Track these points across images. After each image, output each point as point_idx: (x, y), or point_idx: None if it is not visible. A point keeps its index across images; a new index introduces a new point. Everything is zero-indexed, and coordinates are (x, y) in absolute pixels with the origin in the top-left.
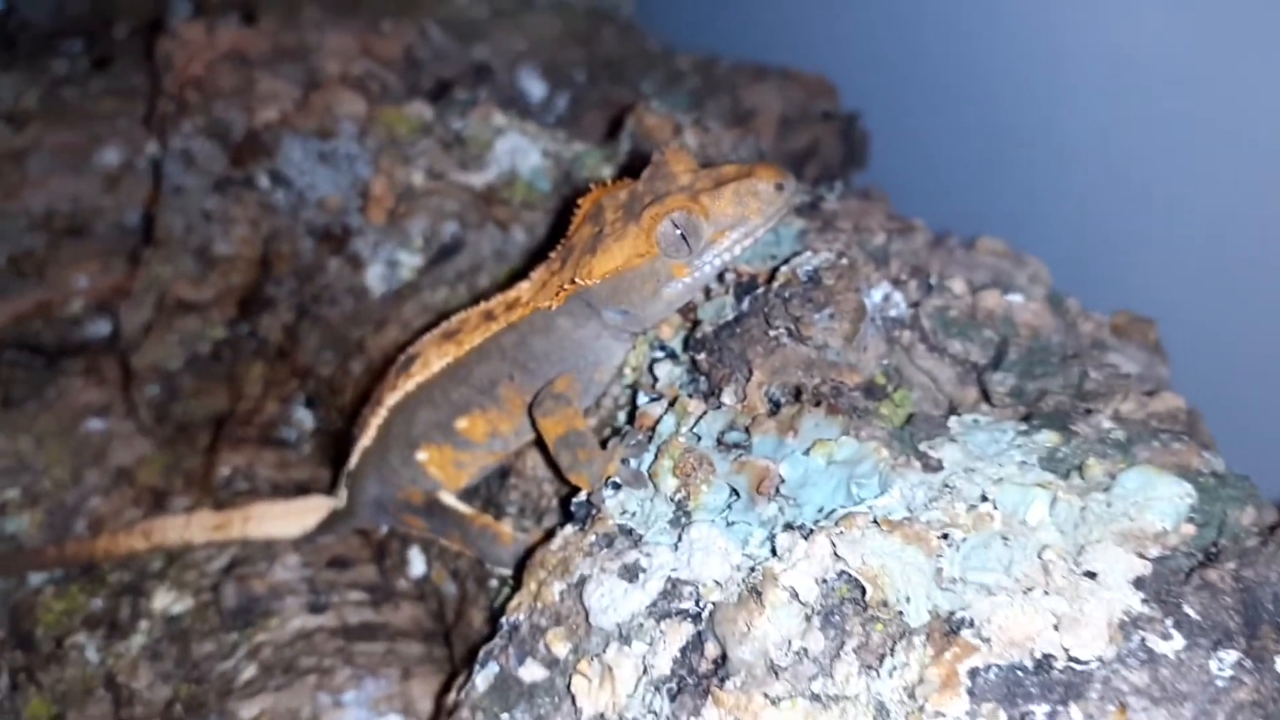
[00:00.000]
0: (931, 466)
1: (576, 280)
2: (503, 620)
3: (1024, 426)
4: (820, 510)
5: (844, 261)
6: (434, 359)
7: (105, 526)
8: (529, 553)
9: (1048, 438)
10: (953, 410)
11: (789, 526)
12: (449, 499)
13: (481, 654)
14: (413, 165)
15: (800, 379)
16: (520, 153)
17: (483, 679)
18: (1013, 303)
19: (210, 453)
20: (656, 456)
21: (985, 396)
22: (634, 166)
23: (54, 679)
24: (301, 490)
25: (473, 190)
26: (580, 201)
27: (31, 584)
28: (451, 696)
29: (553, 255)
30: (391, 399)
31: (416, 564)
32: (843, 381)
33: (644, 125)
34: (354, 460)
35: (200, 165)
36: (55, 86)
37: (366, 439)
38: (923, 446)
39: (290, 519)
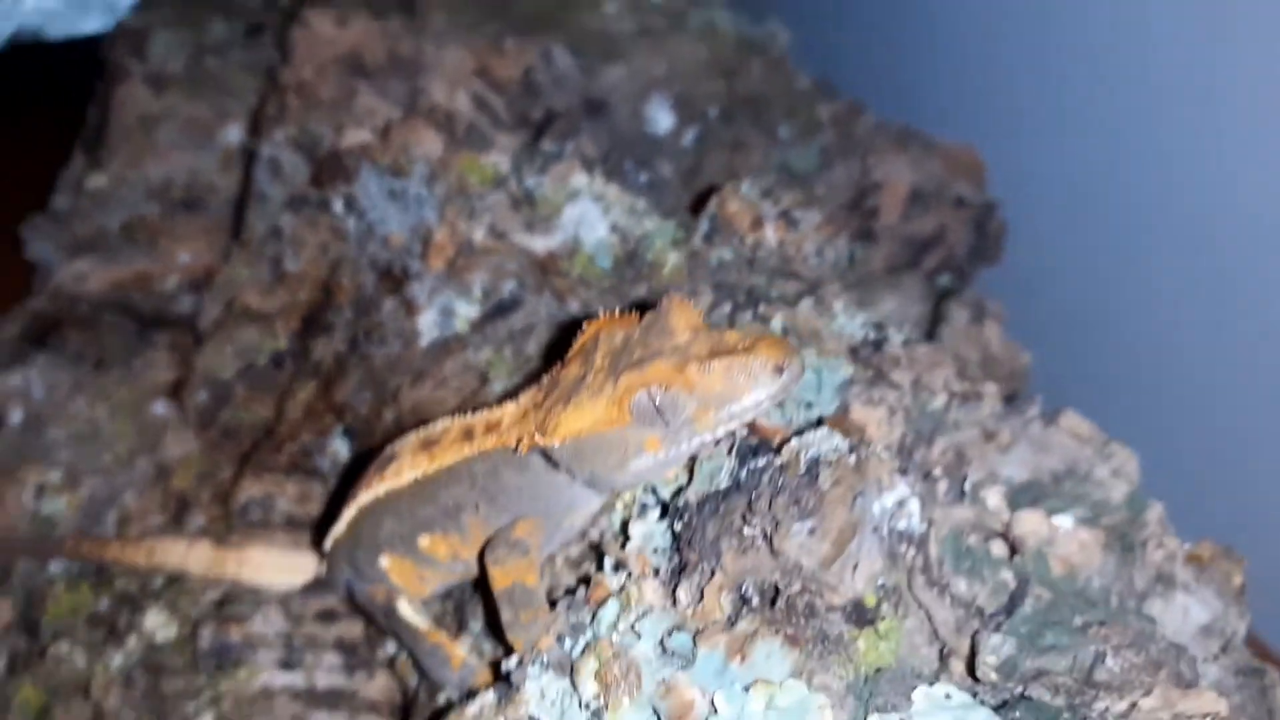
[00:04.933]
0: None
1: (538, 436)
2: None
3: None
4: None
5: (853, 459)
6: (406, 468)
7: (129, 525)
8: (442, 713)
9: None
10: (925, 673)
11: None
12: (405, 609)
13: None
14: (476, 220)
15: (777, 580)
16: (586, 223)
17: None
18: (1059, 529)
19: (235, 478)
20: (584, 652)
21: (970, 667)
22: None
23: (48, 671)
24: (322, 526)
25: (533, 255)
26: (585, 324)
27: (51, 571)
28: None
29: (544, 380)
30: (364, 497)
31: (391, 642)
32: (821, 595)
33: (725, 210)
34: (328, 544)
35: (285, 177)
36: (201, 52)
37: (338, 530)
38: (873, 719)
39: (280, 573)
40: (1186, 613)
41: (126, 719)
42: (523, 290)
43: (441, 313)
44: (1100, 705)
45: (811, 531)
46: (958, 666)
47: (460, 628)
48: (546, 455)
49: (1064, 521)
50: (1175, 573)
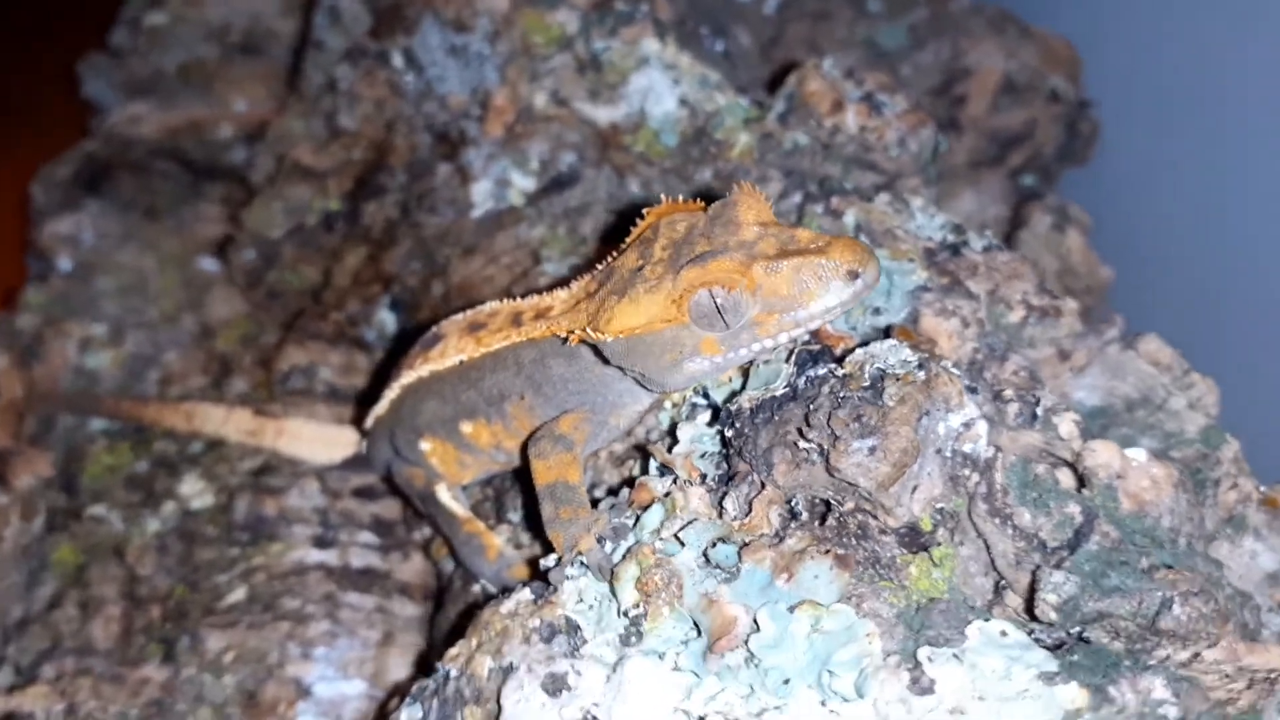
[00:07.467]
0: (921, 686)
1: (589, 329)
2: (439, 665)
3: (1052, 665)
4: (786, 684)
5: (921, 375)
6: (451, 350)
7: (171, 385)
8: (480, 605)
9: (1071, 696)
10: (977, 605)
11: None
12: (444, 494)
13: (415, 689)
14: (538, 84)
15: (830, 496)
16: (654, 95)
17: (406, 716)
18: (1131, 462)
19: (279, 343)
20: (625, 557)
21: (1029, 604)
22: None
23: (85, 532)
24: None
25: (595, 126)
26: (646, 211)
27: (92, 428)
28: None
29: (598, 268)
30: (406, 378)
31: (427, 525)
32: (875, 516)
33: (805, 89)
34: (369, 422)
35: (345, 25)
36: None
37: (380, 408)
38: (923, 653)
39: (318, 446)
40: (1254, 559)
41: (159, 585)
42: (582, 164)
43: (496, 183)
44: (1161, 654)
45: (872, 451)
46: (1012, 600)
47: (498, 517)
48: (597, 350)
49: (1137, 455)
50: (1247, 516)
